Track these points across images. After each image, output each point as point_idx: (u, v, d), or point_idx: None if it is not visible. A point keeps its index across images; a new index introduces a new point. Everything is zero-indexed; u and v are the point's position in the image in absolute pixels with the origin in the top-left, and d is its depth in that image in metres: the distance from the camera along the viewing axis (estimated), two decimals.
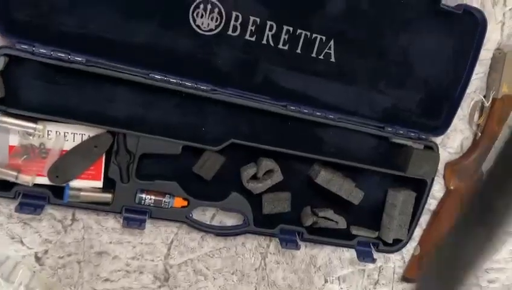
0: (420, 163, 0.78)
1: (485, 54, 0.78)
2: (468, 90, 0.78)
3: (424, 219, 0.86)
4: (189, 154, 0.70)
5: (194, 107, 0.70)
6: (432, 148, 0.79)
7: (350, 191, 0.76)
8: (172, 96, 0.68)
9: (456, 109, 0.78)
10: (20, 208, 0.65)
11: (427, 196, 0.81)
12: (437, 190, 0.85)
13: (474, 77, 0.78)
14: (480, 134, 0.82)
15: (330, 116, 0.73)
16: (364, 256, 0.81)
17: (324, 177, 0.74)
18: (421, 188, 0.81)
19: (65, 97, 0.65)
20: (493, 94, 0.80)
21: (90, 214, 0.72)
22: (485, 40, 0.73)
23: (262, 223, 0.76)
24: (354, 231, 0.81)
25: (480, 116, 0.82)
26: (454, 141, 0.83)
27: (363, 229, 0.82)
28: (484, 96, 0.81)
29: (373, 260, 0.81)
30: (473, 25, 0.72)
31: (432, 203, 0.86)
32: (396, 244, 0.83)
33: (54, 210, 0.70)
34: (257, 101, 0.70)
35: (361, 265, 0.86)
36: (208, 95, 0.68)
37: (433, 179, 0.80)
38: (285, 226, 0.77)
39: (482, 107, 0.82)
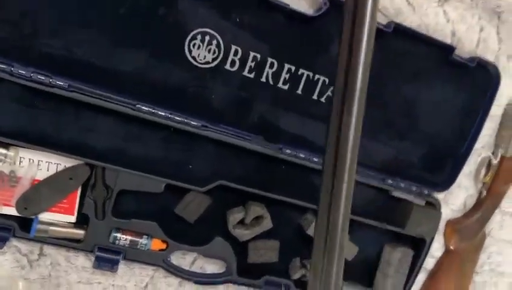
0: (420, 220, 0.73)
1: (496, 110, 0.74)
2: (476, 146, 0.74)
3: (420, 278, 0.80)
4: (172, 193, 0.65)
5: (182, 143, 0.65)
6: (433, 205, 0.74)
7: None
8: (159, 130, 0.63)
9: (461, 166, 0.73)
10: None
11: (426, 255, 0.76)
12: (436, 248, 0.79)
13: (483, 132, 0.73)
14: (485, 193, 0.77)
15: None
16: None
17: None
18: (419, 246, 0.75)
19: (42, 123, 0.60)
20: (502, 152, 0.75)
21: (59, 250, 0.66)
22: (497, 96, 0.69)
23: (246, 272, 0.70)
24: (345, 287, 0.75)
25: (486, 174, 0.78)
26: (457, 197, 0.78)
27: (354, 286, 0.76)
28: (492, 153, 0.77)
29: None
30: (486, 80, 0.68)
31: (429, 262, 0.80)
32: None
33: (20, 243, 0.64)
34: (250, 141, 0.65)
35: None
36: (197, 132, 0.63)
37: (432, 238, 0.75)
38: (270, 278, 0.71)
39: (489, 164, 0.77)
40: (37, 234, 0.61)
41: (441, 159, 0.72)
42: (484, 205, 0.77)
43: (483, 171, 0.78)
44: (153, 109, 0.61)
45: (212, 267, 0.71)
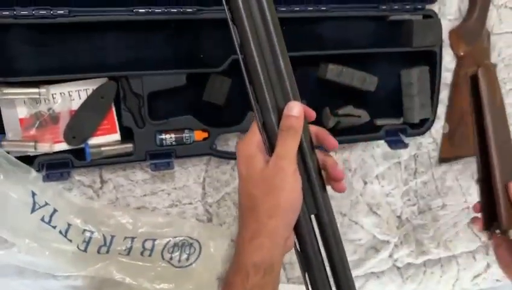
0: (424, 33, 0.76)
1: None
2: None
3: (444, 95, 0.84)
4: (195, 84, 0.70)
5: (186, 35, 0.69)
6: (431, 16, 0.78)
7: (363, 79, 0.75)
8: (162, 29, 0.67)
9: None
10: (48, 177, 0.64)
11: (440, 66, 0.80)
12: (448, 61, 0.83)
13: None
14: None
15: (322, 8, 0.72)
16: (396, 143, 0.79)
17: (334, 71, 0.73)
18: (432, 60, 0.79)
19: (57, 56, 0.64)
20: None
21: (117, 172, 0.71)
22: None
23: None
24: (379, 121, 0.79)
25: None
26: (451, 6, 0.82)
27: (386, 118, 0.80)
28: None
29: (405, 145, 0.79)
30: None
31: (447, 77, 0.84)
32: (423, 125, 0.81)
33: (81, 176, 0.70)
34: None
35: (395, 158, 0.85)
36: (195, 17, 0.66)
37: (441, 47, 0.79)
38: None
39: None
40: (93, 157, 0.66)
41: None
42: (477, 3, 0.80)
43: None
44: (149, 9, 0.65)
45: None
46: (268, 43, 0.49)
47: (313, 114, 0.51)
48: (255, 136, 0.48)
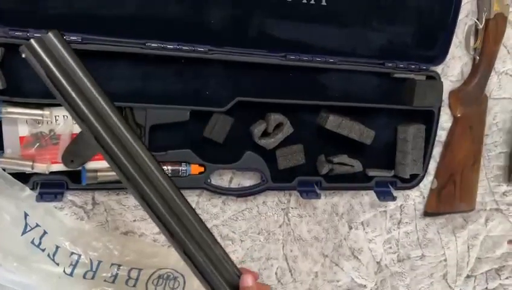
0: (425, 93, 0.78)
1: None
2: (460, 17, 0.79)
3: (436, 151, 0.87)
4: (197, 120, 0.71)
5: (194, 72, 0.70)
6: (433, 78, 0.80)
7: (361, 132, 0.77)
8: (171, 64, 0.68)
9: (451, 35, 0.78)
10: (41, 197, 0.65)
11: (437, 125, 0.82)
12: (445, 120, 0.86)
13: (464, 1, 0.78)
14: (478, 57, 0.83)
15: (330, 60, 0.73)
16: (384, 195, 0.81)
17: (333, 122, 0.75)
18: (429, 119, 0.81)
19: None
20: (485, 15, 0.80)
21: (110, 195, 0.72)
22: None
23: (279, 178, 0.77)
24: (371, 172, 0.81)
25: (475, 40, 0.83)
26: (454, 69, 0.84)
27: (378, 170, 0.82)
28: (477, 19, 0.82)
29: (393, 198, 0.82)
30: None
31: (442, 135, 0.86)
32: (413, 180, 0.84)
33: (74, 196, 0.70)
34: (255, 55, 0.70)
35: (382, 207, 0.87)
36: (205, 56, 0.67)
37: (439, 108, 0.81)
38: (302, 178, 0.77)
39: (477, 30, 0.82)
40: (88, 181, 0.67)
41: (432, 33, 0.77)
42: (480, 69, 0.83)
43: (472, 39, 0.83)
44: (162, 44, 0.66)
45: (248, 181, 0.78)
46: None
47: (256, 275, 0.53)
48: None
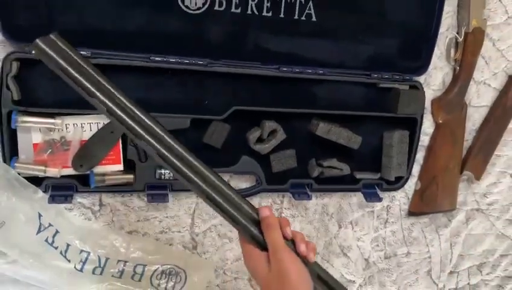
0: (408, 102, 0.84)
1: None
2: (441, 30, 0.85)
3: (420, 156, 0.93)
4: (197, 127, 0.76)
5: (195, 83, 0.76)
6: (416, 87, 0.86)
7: (349, 138, 0.82)
8: (172, 76, 0.74)
9: (433, 47, 0.84)
10: (53, 199, 0.70)
11: (420, 131, 0.88)
12: (427, 126, 0.92)
13: (444, 16, 0.84)
14: (458, 68, 0.89)
15: (320, 71, 0.79)
16: (371, 197, 0.87)
17: (323, 129, 0.81)
18: (412, 126, 0.87)
19: (74, 92, 0.69)
20: (464, 29, 0.86)
21: (115, 197, 0.77)
22: None
23: (273, 181, 0.82)
24: (358, 175, 0.87)
25: (456, 52, 0.89)
26: (436, 78, 0.90)
27: (365, 172, 0.88)
28: (457, 33, 0.88)
29: (379, 199, 0.87)
30: None
31: (424, 140, 0.92)
32: (398, 182, 0.90)
33: (82, 198, 0.76)
34: (251, 67, 0.76)
35: (369, 207, 0.93)
36: (205, 69, 0.73)
37: (422, 115, 0.87)
38: (294, 181, 0.83)
39: (457, 43, 0.89)
40: (96, 184, 0.72)
41: (415, 45, 0.83)
42: (460, 79, 0.89)
43: (452, 51, 0.89)
44: (165, 58, 0.71)
45: (244, 184, 0.83)
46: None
47: (270, 208, 0.61)
48: (248, 251, 0.57)
